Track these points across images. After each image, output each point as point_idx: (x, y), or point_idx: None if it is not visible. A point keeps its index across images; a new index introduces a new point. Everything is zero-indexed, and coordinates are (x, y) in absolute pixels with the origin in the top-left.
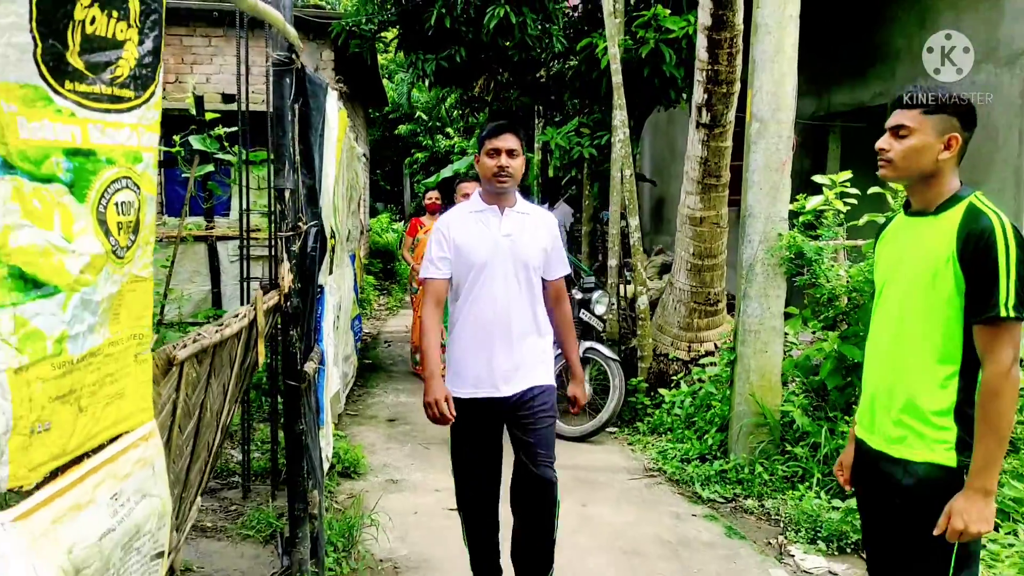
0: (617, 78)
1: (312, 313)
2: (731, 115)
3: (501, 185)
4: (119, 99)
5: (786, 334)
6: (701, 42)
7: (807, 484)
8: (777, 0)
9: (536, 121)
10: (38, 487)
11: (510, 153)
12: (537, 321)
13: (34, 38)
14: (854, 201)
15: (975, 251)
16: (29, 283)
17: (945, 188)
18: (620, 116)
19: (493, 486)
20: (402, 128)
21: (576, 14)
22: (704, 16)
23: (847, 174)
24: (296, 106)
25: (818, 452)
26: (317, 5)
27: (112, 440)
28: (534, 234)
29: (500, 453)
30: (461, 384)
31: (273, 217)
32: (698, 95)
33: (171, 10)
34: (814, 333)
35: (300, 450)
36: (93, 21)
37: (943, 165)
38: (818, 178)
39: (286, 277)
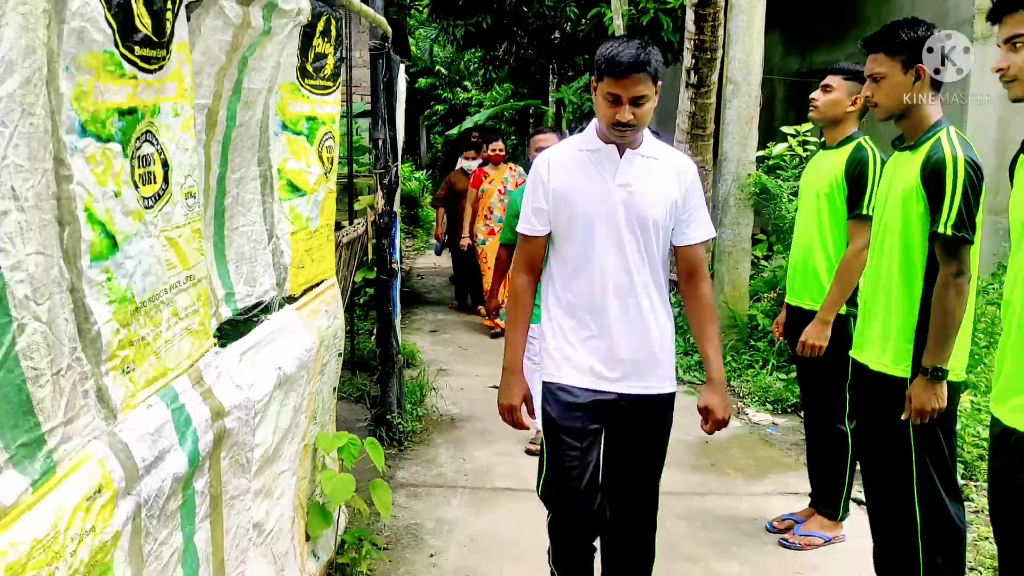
0: None
1: (392, 229)
2: (714, 77)
3: (622, 139)
4: (326, 88)
5: (757, 257)
6: (690, 16)
7: (761, 365)
8: None
9: (551, 78)
10: (298, 296)
11: (636, 101)
12: (657, 297)
13: (297, 58)
14: (813, 147)
15: (855, 171)
16: (294, 188)
17: (847, 131)
18: None
19: (594, 487)
20: (422, 81)
21: None
22: None
23: (808, 125)
24: (383, 79)
25: (775, 345)
26: None
27: (320, 283)
28: (661, 184)
29: (598, 462)
30: (557, 367)
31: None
32: (687, 60)
33: None
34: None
35: (388, 325)
36: (319, 45)
37: (848, 116)
38: (785, 128)
39: (380, 201)
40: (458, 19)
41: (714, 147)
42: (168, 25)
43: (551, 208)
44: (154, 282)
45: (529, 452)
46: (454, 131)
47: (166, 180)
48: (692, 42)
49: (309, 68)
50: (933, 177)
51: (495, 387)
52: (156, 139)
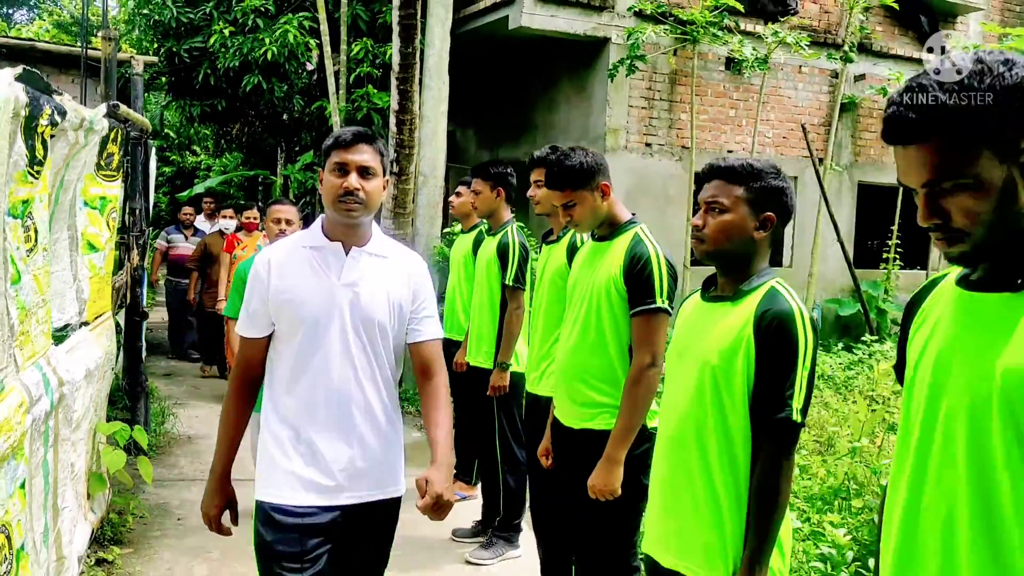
0: None
1: (143, 280)
2: (412, 168)
3: (349, 215)
4: (113, 176)
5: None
6: (392, 119)
7: None
8: (433, 101)
9: (280, 155)
10: (89, 323)
11: (363, 172)
12: (384, 401)
13: (96, 156)
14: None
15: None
16: (91, 247)
17: (473, 221)
18: None
19: None
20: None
21: (313, 79)
22: (393, 102)
23: None
24: (141, 162)
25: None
26: (95, 47)
27: (102, 315)
28: (388, 284)
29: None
30: (272, 484)
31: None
32: (391, 153)
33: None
34: None
35: (138, 357)
36: (110, 147)
37: (472, 211)
38: None
39: (135, 258)
40: (195, 99)
41: (412, 223)
42: (47, 151)
43: (272, 310)
44: (31, 300)
45: None
46: (184, 194)
47: (36, 240)
48: (395, 139)
49: (103, 163)
50: (503, 252)
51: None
52: (33, 216)
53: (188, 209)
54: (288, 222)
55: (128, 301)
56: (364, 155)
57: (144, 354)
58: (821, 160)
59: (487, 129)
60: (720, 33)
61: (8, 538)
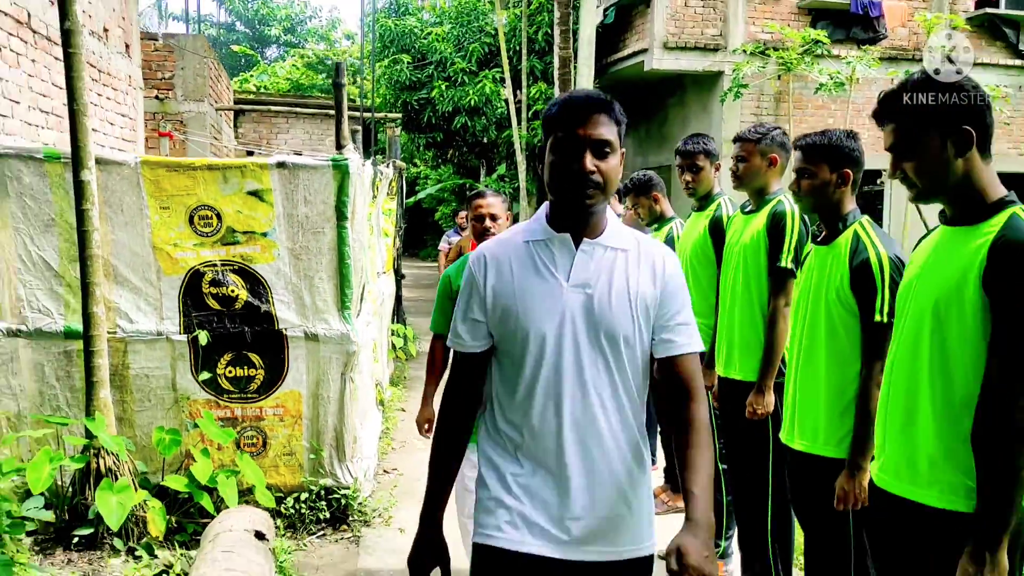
0: (519, 157)
1: (402, 257)
2: None
3: (588, 204)
4: (394, 197)
5: None
6: None
7: None
8: None
9: (481, 169)
10: (384, 272)
11: (598, 149)
12: (629, 431)
13: (388, 187)
14: None
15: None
16: (385, 234)
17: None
18: (521, 176)
19: None
20: (380, 158)
21: (504, 114)
22: None
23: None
24: (400, 185)
25: None
26: (352, 98)
27: (388, 270)
28: (629, 284)
29: None
30: (491, 523)
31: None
32: None
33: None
34: None
35: (399, 300)
36: (392, 182)
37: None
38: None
39: (398, 243)
40: (420, 133)
41: None
42: (376, 191)
43: (489, 320)
44: (374, 257)
45: None
46: (410, 200)
47: (373, 231)
48: None
49: (390, 191)
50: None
51: None
52: (372, 220)
53: (464, 213)
54: (493, 217)
55: (396, 267)
56: (600, 128)
57: (402, 302)
58: None
59: (638, 141)
60: (809, 61)
61: (377, 345)
